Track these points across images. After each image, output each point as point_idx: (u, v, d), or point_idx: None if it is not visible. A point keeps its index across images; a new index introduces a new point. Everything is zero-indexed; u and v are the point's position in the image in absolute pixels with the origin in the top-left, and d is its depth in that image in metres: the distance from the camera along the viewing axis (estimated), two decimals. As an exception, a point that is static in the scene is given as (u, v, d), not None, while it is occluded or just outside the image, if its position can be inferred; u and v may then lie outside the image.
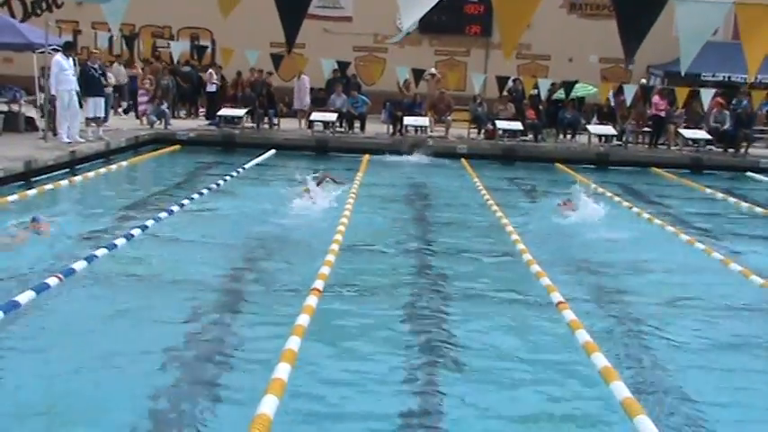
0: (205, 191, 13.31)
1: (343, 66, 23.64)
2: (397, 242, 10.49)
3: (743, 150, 22.70)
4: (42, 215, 9.95)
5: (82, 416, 5.01)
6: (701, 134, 22.51)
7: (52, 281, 7.33)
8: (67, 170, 14.93)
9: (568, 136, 24.33)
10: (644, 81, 26.45)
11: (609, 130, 23.08)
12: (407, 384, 5.69)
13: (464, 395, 5.54)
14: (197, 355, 6.05)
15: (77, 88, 17.09)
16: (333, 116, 22.68)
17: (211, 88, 25.46)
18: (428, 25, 26.49)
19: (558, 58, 29.37)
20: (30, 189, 12.44)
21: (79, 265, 7.99)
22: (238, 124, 22.75)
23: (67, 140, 16.60)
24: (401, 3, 9.52)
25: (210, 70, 25.90)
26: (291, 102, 25.18)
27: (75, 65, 17.34)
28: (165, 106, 22.26)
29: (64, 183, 13.34)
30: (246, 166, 16.91)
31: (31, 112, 19.52)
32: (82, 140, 17.05)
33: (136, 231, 9.78)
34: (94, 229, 10.04)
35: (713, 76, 27.25)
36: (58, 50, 17.71)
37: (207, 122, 23.96)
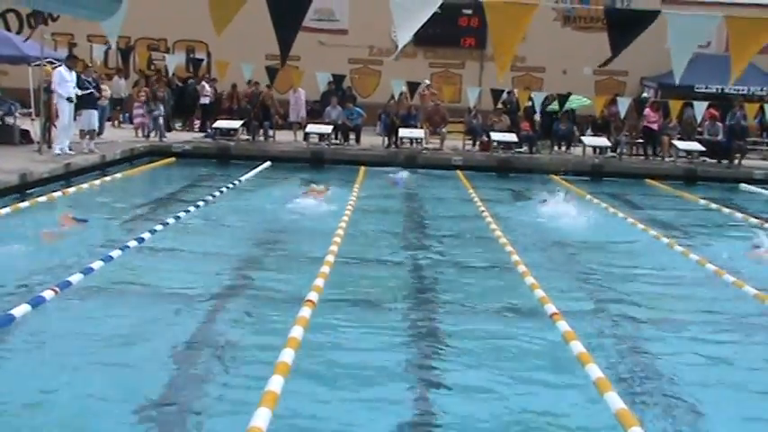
0: (201, 203, 13.32)
1: (338, 78, 23.70)
2: (393, 253, 10.52)
3: (736, 162, 22.78)
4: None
5: (74, 426, 5.03)
6: (695, 146, 22.58)
7: (48, 293, 7.34)
8: (63, 183, 14.94)
9: (563, 148, 24.38)
10: (645, 95, 26.61)
11: (603, 141, 23.15)
12: (400, 396, 5.69)
13: (457, 406, 5.55)
14: (190, 367, 6.05)
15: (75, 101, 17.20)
16: (328, 128, 22.72)
17: (204, 100, 25.47)
18: (423, 38, 26.46)
19: (553, 70, 29.50)
20: (23, 201, 12.44)
21: (75, 278, 8.00)
22: (234, 136, 22.77)
23: (59, 153, 16.61)
24: (396, 16, 9.61)
25: (203, 82, 25.87)
26: (287, 114, 25.20)
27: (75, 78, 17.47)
28: (158, 112, 22.15)
29: (58, 195, 13.34)
30: (242, 178, 16.92)
31: (26, 125, 19.54)
32: (72, 152, 17.06)
33: (132, 243, 9.79)
34: (89, 242, 10.04)
35: (706, 87, 27.36)
36: (53, 63, 17.79)
37: (202, 135, 23.97)
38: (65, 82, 16.78)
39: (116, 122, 25.24)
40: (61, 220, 10.98)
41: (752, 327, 7.92)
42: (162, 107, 22.69)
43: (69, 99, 16.92)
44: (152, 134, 21.65)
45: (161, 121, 22.20)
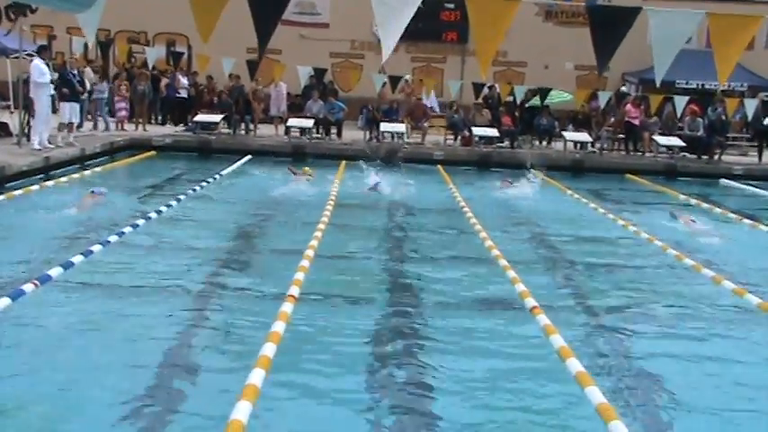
0: (182, 196, 13.28)
1: (319, 72, 23.68)
2: (373, 248, 10.51)
3: (716, 157, 22.94)
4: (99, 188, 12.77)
5: (58, 421, 5.01)
6: (676, 141, 22.71)
7: (28, 287, 7.29)
8: (42, 176, 14.83)
9: (544, 143, 24.46)
10: (624, 89, 26.73)
11: (584, 136, 23.25)
12: (379, 393, 5.69)
13: (438, 401, 5.56)
14: (170, 361, 6.04)
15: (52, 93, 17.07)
16: (309, 122, 22.69)
17: (182, 93, 25.31)
18: (405, 32, 26.41)
19: (534, 65, 29.58)
20: (1, 195, 12.35)
21: (55, 272, 7.95)
22: (214, 130, 22.68)
23: (38, 147, 16.45)
24: (377, 12, 9.59)
25: (178, 75, 25.67)
26: (268, 108, 25.12)
27: (50, 69, 17.30)
28: (100, 94, 22.11)
29: (36, 188, 13.24)
30: (222, 172, 16.88)
31: (5, 118, 19.39)
32: (51, 146, 16.91)
33: (113, 238, 9.74)
34: (68, 236, 9.99)
35: (687, 83, 27.51)
36: (32, 55, 17.63)
37: (183, 128, 23.87)
38: (43, 74, 16.62)
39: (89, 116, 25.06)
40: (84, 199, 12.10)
41: (730, 320, 7.97)
42: (107, 88, 22.55)
43: (51, 81, 16.73)
44: (99, 123, 21.40)
45: (104, 107, 21.95)
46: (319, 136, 23.39)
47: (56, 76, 17.27)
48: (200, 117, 22.75)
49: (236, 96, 23.66)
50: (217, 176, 16.17)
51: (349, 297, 8.15)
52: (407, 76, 25.58)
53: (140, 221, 10.91)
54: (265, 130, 24.09)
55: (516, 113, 24.68)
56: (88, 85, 20.71)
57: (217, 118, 22.65)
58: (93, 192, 12.54)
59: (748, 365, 6.69)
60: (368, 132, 23.58)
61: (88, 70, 25.76)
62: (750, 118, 23.27)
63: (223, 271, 8.92)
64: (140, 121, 23.34)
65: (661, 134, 23.25)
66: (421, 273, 9.22)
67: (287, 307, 7.15)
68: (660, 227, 12.77)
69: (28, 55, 18.06)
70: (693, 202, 16.09)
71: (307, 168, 16.83)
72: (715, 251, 11.08)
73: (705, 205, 15.62)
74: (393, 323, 7.29)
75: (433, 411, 5.39)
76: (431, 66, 30.62)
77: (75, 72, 18.41)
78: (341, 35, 29.56)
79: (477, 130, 22.82)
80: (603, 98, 23.18)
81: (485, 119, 23.62)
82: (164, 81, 24.96)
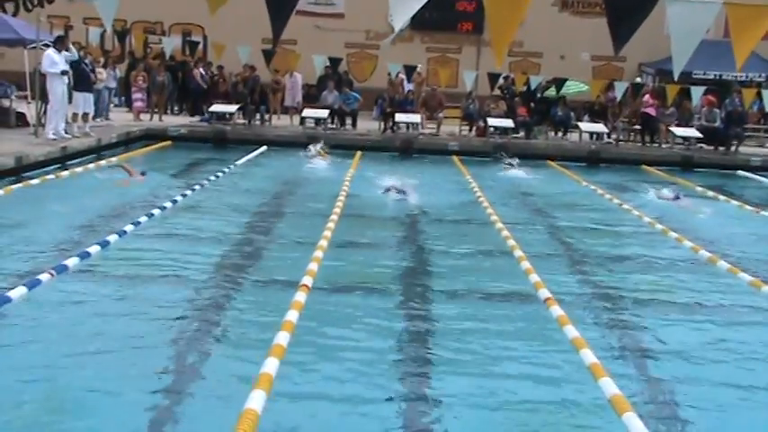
0: (197, 186, 13.33)
1: (335, 62, 23.66)
2: (387, 238, 10.51)
3: (733, 149, 22.78)
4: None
5: (74, 409, 5.04)
6: (692, 132, 22.56)
7: (44, 277, 7.34)
8: (59, 166, 14.90)
9: (560, 133, 24.35)
10: (640, 79, 26.57)
11: (600, 127, 23.14)
12: (392, 383, 5.69)
13: (451, 392, 5.56)
14: (185, 349, 6.07)
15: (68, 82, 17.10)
16: (324, 113, 22.68)
17: (202, 85, 25.29)
18: (420, 22, 26.40)
19: (550, 55, 29.43)
20: (17, 184, 12.41)
21: (71, 262, 7.99)
22: (230, 120, 22.71)
23: (53, 137, 16.48)
24: (392, 1, 9.54)
25: (201, 68, 25.67)
26: (283, 98, 25.12)
27: (64, 59, 17.33)
28: (105, 84, 21.99)
29: (52, 178, 13.30)
30: (238, 162, 16.92)
31: (22, 108, 19.48)
32: (68, 136, 16.97)
33: (128, 227, 9.77)
34: (85, 225, 10.04)
35: (704, 74, 27.29)
36: (49, 46, 17.68)
37: (198, 119, 23.90)
38: (54, 64, 16.61)
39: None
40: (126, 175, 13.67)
41: (746, 313, 7.93)
42: (114, 79, 22.50)
43: (64, 72, 16.73)
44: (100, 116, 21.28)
45: (106, 96, 21.86)
46: (334, 126, 23.38)
47: (68, 66, 17.19)
48: (215, 107, 22.77)
49: (252, 87, 23.66)
50: (232, 166, 16.21)
51: (362, 287, 8.15)
52: (419, 66, 25.52)
53: (155, 211, 10.96)
54: (280, 121, 24.09)
55: (532, 104, 24.57)
56: (104, 76, 20.76)
57: (232, 108, 22.67)
58: (143, 173, 14.02)
59: (764, 358, 6.66)
60: (382, 123, 23.53)
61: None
62: (768, 108, 23.09)
63: (237, 261, 8.94)
64: (156, 111, 23.41)
65: (678, 125, 23.09)
66: (435, 263, 9.23)
67: (300, 296, 7.17)
68: (676, 218, 12.72)
69: (45, 45, 18.10)
70: (711, 193, 15.98)
71: (321, 150, 18.33)
72: (732, 243, 11.01)
73: (722, 197, 15.50)
74: (406, 313, 7.29)
75: (445, 402, 5.39)
76: (446, 56, 30.52)
77: (88, 61, 18.43)
78: (356, 26, 29.49)
79: (492, 121, 22.77)
80: (620, 89, 23.06)
81: (500, 109, 23.54)
82: (196, 71, 24.85)
